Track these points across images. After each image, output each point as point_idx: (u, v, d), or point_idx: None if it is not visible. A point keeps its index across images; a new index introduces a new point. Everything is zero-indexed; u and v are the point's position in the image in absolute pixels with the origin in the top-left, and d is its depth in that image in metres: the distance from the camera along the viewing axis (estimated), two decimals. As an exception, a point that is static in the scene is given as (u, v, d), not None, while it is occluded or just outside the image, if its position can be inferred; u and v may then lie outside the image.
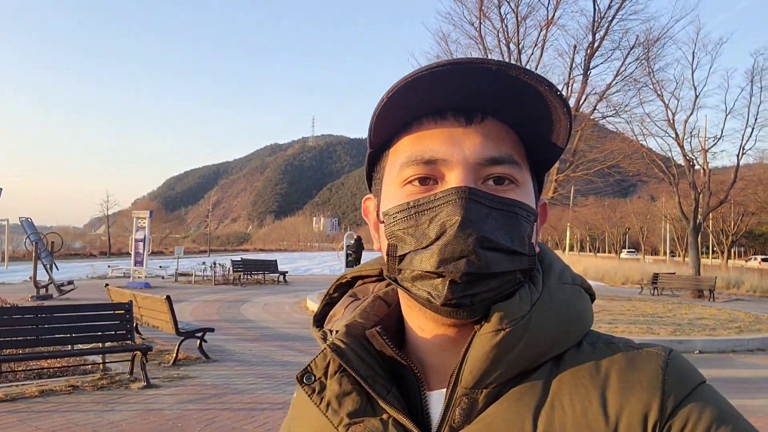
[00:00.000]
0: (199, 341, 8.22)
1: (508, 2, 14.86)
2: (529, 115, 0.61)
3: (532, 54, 14.90)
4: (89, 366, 7.37)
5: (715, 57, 21.03)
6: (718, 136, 22.33)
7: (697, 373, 0.60)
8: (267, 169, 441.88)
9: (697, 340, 10.12)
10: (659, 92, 19.48)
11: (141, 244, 18.93)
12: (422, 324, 0.65)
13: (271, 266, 22.62)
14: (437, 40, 17.64)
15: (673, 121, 21.08)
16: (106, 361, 7.34)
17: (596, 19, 14.77)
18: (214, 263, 21.75)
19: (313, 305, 14.03)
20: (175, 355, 7.86)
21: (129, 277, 20.29)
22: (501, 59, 0.62)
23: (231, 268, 21.62)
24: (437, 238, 0.58)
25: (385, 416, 0.62)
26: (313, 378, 0.65)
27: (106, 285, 9.55)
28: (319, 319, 0.77)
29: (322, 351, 0.66)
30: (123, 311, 7.15)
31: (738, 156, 22.40)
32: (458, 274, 0.57)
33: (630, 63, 14.73)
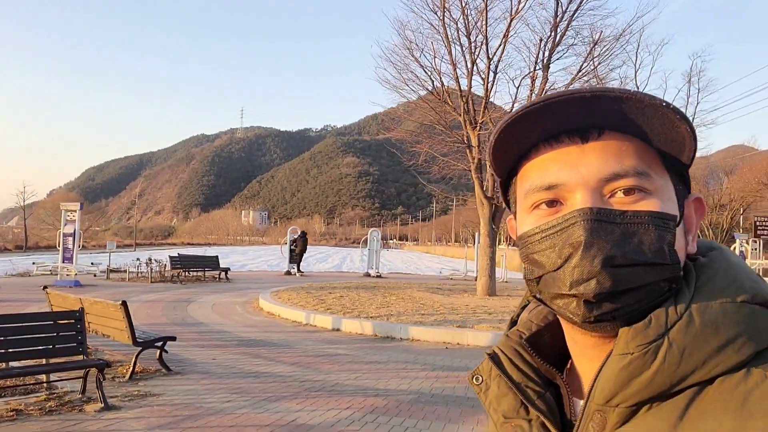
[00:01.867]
0: (159, 351, 7.28)
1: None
2: (652, 129, 0.62)
3: (499, 47, 14.56)
4: (31, 385, 6.31)
5: (657, 58, 21.66)
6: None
7: None
8: (193, 160, 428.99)
9: None
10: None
11: (70, 238, 17.31)
12: (573, 335, 0.67)
13: (211, 262, 21.41)
14: (396, 28, 17.11)
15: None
16: (51, 379, 6.32)
17: (558, 13, 14.62)
18: (150, 259, 20.34)
19: (267, 305, 13.18)
20: (131, 368, 6.91)
21: (57, 274, 18.56)
22: (621, 87, 0.61)
23: (167, 264, 20.32)
24: (566, 261, 0.60)
25: (533, 417, 0.68)
26: (481, 379, 0.73)
27: (45, 288, 8.37)
28: (515, 323, 0.80)
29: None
30: (73, 320, 6.15)
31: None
32: (590, 294, 0.58)
33: (596, 58, 14.65)
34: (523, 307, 0.82)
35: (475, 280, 24.16)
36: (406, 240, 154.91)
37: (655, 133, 0.62)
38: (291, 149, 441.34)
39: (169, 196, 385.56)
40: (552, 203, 0.64)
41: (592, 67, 14.81)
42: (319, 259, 44.96)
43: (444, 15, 14.64)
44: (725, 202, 37.08)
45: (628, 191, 0.61)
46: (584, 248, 0.59)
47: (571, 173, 0.62)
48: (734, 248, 20.10)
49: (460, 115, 15.16)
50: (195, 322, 11.38)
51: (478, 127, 14.86)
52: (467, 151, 15.39)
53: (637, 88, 21.67)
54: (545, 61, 14.87)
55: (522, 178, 0.68)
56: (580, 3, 14.53)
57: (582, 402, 0.65)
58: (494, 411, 0.71)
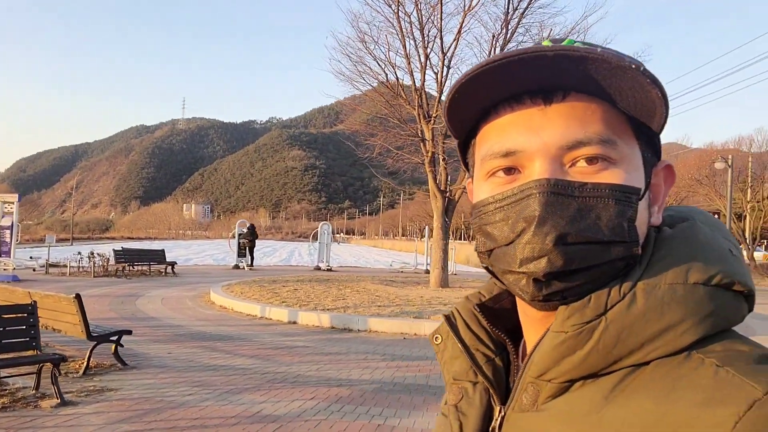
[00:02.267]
0: (114, 346, 7.08)
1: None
2: (620, 92, 0.57)
3: (453, 41, 14.74)
4: (-22, 381, 6.03)
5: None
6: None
7: None
8: (132, 151, 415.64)
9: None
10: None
11: (8, 232, 16.52)
12: (524, 307, 0.66)
13: (157, 256, 20.85)
14: (350, 20, 17.08)
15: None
16: (0, 375, 6.06)
17: (509, 10, 14.92)
18: (92, 253, 19.62)
19: (219, 298, 12.98)
20: (86, 363, 6.69)
21: (-8, 269, 17.69)
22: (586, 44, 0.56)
23: (110, 258, 19.66)
24: (519, 236, 0.58)
25: (479, 381, 0.68)
26: (440, 339, 0.73)
27: (-11, 281, 7.98)
28: None
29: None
30: (25, 314, 5.91)
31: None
32: (540, 273, 0.56)
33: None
34: None
35: (426, 272, 24.48)
36: (353, 234, 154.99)
37: (624, 96, 0.57)
38: (235, 141, 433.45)
39: (107, 189, 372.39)
40: (509, 171, 0.61)
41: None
42: (266, 253, 44.38)
43: (398, 8, 14.71)
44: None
45: (590, 160, 0.58)
46: (537, 224, 0.56)
47: (531, 139, 0.58)
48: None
49: (414, 108, 15.29)
50: (146, 316, 11.09)
51: (432, 121, 15.03)
52: (421, 144, 15.55)
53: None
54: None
55: (480, 141, 0.64)
56: (530, 0, 14.87)
57: (519, 373, 0.64)
58: (447, 371, 0.71)
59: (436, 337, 0.74)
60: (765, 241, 36.04)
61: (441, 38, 14.61)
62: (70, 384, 6.22)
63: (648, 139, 0.62)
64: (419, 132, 15.48)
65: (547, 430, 0.57)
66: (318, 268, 24.75)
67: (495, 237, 0.60)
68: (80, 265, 19.81)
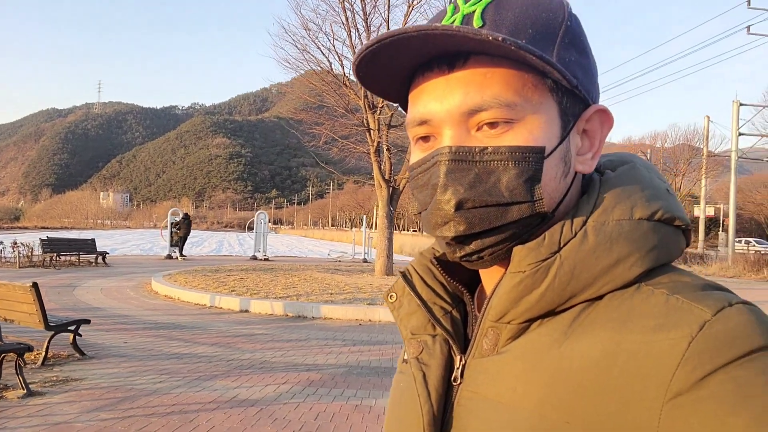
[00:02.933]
0: (72, 336, 6.88)
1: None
2: (510, 55, 0.56)
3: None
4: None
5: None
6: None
7: (761, 336, 0.48)
8: (43, 136, 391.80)
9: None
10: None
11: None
12: None
13: (87, 246, 19.99)
14: (292, 7, 16.89)
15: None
16: (-45, 367, 5.79)
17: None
18: (15, 242, 18.59)
19: (163, 288, 12.70)
20: (44, 353, 6.49)
21: None
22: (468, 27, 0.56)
23: (35, 248, 18.68)
24: (431, 202, 0.60)
25: (438, 333, 0.68)
26: (395, 296, 0.74)
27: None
28: None
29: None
30: (-17, 304, 5.68)
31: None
32: (449, 237, 0.59)
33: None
34: None
35: (363, 261, 24.75)
36: (281, 224, 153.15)
37: (515, 58, 0.57)
38: (155, 127, 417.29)
39: (15, 176, 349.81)
40: (426, 138, 0.63)
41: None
42: (194, 243, 43.24)
43: (344, -1, 14.76)
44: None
45: (492, 124, 0.58)
46: (440, 191, 0.59)
47: (438, 107, 0.60)
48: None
49: (360, 99, 15.40)
50: (89, 307, 10.73)
51: (378, 111, 15.20)
52: (366, 134, 15.70)
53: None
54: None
55: (408, 107, 0.65)
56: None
57: (478, 320, 0.65)
58: (404, 327, 0.72)
59: (391, 295, 0.74)
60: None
61: (388, 29, 14.78)
62: (30, 375, 6.02)
63: (566, 89, 0.61)
64: (365, 122, 15.63)
65: (509, 370, 0.59)
66: (254, 258, 24.49)
67: (420, 201, 0.63)
68: (2, 255, 18.73)
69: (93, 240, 20.52)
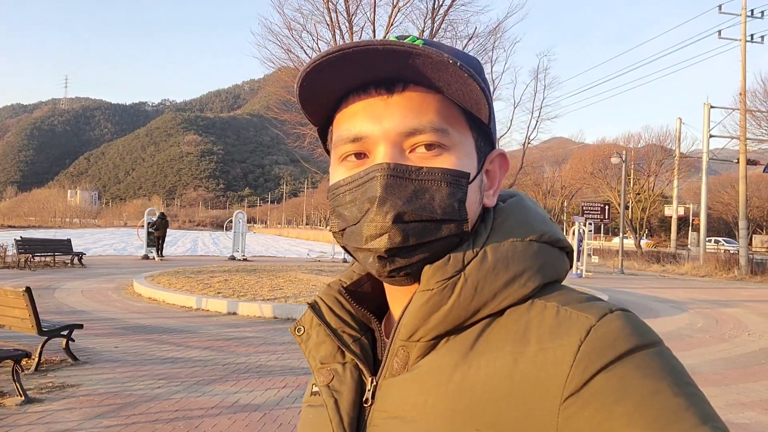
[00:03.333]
0: (65, 341, 6.80)
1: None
2: (449, 85, 0.63)
3: (386, 35, 14.95)
4: (-76, 383, 5.62)
5: (510, 54, 23.51)
6: (508, 127, 25.02)
7: (634, 339, 0.55)
8: (8, 132, 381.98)
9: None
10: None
11: None
12: (386, 283, 0.71)
13: (63, 246, 19.60)
14: (274, 5, 16.79)
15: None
16: (-53, 374, 5.68)
17: (434, 6, 15.39)
18: (-12, 243, 18.15)
19: (146, 290, 12.54)
20: (37, 359, 6.39)
21: None
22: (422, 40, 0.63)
23: (8, 248, 18.26)
24: (364, 215, 0.63)
25: (348, 360, 0.71)
26: (303, 329, 0.76)
27: None
28: None
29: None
30: (-23, 310, 5.58)
31: (524, 145, 25.39)
32: (383, 249, 0.62)
33: (469, 52, 15.61)
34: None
35: (343, 261, 24.70)
36: (254, 222, 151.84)
37: (452, 89, 0.63)
38: (124, 124, 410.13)
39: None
40: (359, 155, 0.66)
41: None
42: (168, 242, 42.49)
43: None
44: (558, 188, 41.49)
45: (428, 146, 0.63)
46: (378, 204, 0.62)
47: (375, 127, 0.63)
48: (573, 230, 22.60)
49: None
50: (73, 310, 10.54)
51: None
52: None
53: (492, 81, 23.43)
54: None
55: (335, 127, 0.69)
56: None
57: (389, 341, 0.68)
58: (312, 358, 0.73)
59: (299, 329, 0.76)
60: (646, 230, 39.48)
61: (374, 32, 14.82)
62: (25, 381, 5.89)
63: (480, 129, 0.68)
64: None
65: (420, 386, 0.62)
66: (233, 258, 24.28)
67: (346, 217, 0.66)
68: (-28, 256, 18.26)
69: (69, 240, 20.12)
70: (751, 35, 25.88)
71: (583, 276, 21.60)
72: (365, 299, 0.75)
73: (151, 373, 6.49)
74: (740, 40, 25.61)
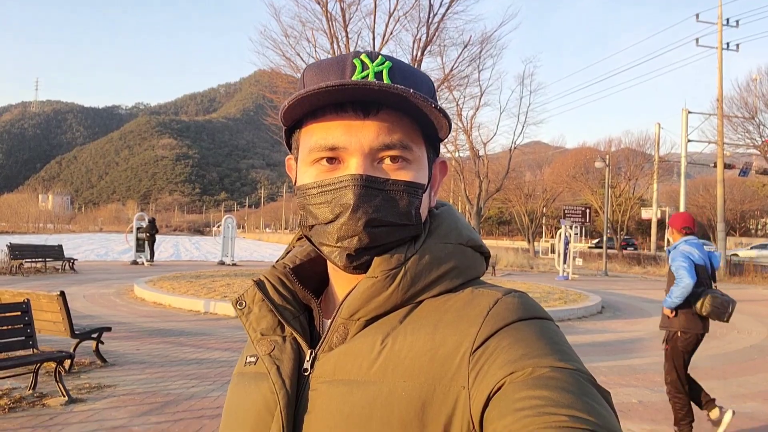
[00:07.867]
0: (95, 343, 6.95)
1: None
2: (422, 115, 0.74)
3: (382, 44, 15.27)
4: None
5: (497, 61, 23.98)
6: (494, 132, 25.57)
7: (526, 311, 0.70)
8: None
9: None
10: (451, 89, 21.65)
11: None
12: (333, 270, 0.81)
13: (54, 252, 19.47)
14: (271, 14, 16.95)
15: (461, 114, 23.65)
16: (-13, 376, 5.79)
17: (430, 15, 15.76)
18: (-22, 250, 17.97)
19: (149, 294, 12.64)
20: (70, 361, 6.52)
21: None
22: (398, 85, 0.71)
23: (2, 254, 18.10)
24: (336, 218, 0.72)
25: (287, 334, 0.79)
26: (244, 303, 0.82)
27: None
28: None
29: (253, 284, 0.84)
30: (19, 313, 5.72)
31: (510, 150, 25.89)
32: (352, 249, 0.72)
33: (462, 60, 16.03)
34: (289, 250, 0.92)
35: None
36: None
37: (423, 118, 0.74)
38: (97, 127, 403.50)
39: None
40: (331, 160, 0.74)
41: (462, 69, 16.15)
42: (151, 247, 42.33)
43: (326, 6, 15.02)
44: (539, 192, 42.18)
45: (393, 159, 0.74)
46: (352, 210, 0.71)
47: (352, 139, 0.72)
48: (560, 233, 23.07)
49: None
50: (82, 315, 10.59)
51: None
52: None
53: (480, 86, 23.85)
54: (418, 58, 15.98)
55: (307, 133, 0.76)
56: (449, 7, 15.82)
57: (330, 319, 0.78)
58: (253, 330, 0.80)
59: (240, 303, 0.83)
60: (622, 232, 40.36)
61: (373, 40, 15.13)
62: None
63: (432, 143, 0.80)
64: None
65: (355, 354, 0.72)
66: (222, 263, 24.30)
67: (317, 216, 0.75)
68: (-37, 262, 18.06)
69: (60, 246, 19.99)
70: (727, 43, 26.84)
71: (570, 278, 22.00)
72: (303, 282, 0.83)
73: (181, 374, 6.67)
74: (717, 48, 26.52)
